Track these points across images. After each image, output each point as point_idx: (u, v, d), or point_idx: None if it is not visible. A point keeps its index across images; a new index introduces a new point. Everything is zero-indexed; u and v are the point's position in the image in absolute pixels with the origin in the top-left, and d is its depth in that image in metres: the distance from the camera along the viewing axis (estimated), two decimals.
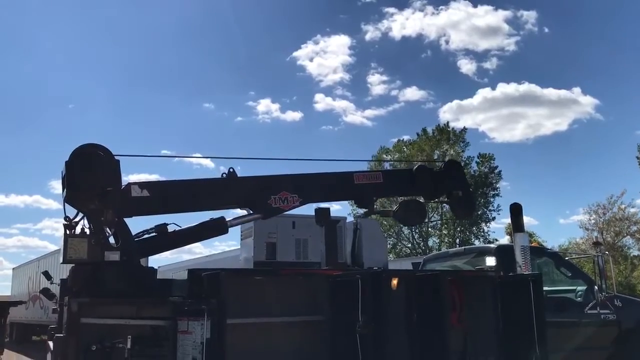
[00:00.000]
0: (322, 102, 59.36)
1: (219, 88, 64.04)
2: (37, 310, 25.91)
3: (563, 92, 54.37)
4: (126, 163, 5.82)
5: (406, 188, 7.53)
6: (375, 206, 7.41)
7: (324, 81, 60.64)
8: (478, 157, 42.07)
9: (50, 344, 5.67)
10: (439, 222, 40.36)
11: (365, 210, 7.46)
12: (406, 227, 37.49)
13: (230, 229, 6.42)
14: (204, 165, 49.69)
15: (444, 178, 7.45)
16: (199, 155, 54.80)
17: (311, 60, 60.71)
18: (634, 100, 52.57)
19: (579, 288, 8.09)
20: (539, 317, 6.05)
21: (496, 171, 41.98)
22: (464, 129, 43.20)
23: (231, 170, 6.36)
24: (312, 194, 6.71)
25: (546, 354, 6.02)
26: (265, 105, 60.77)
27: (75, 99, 64.30)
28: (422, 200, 7.85)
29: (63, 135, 58.95)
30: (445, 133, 42.44)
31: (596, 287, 7.84)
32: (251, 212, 6.54)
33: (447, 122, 43.68)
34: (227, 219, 6.37)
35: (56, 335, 5.40)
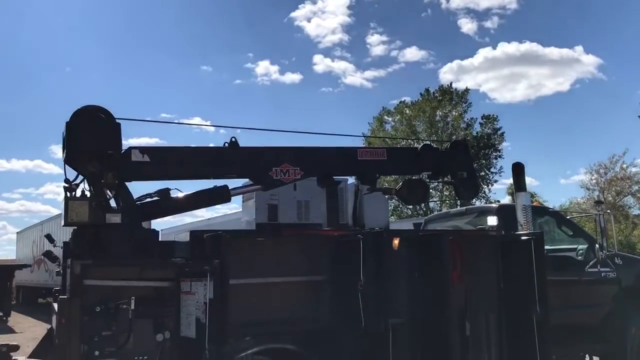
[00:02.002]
0: (321, 63, 59.04)
1: (216, 50, 63.54)
2: (42, 273, 26.32)
3: (565, 51, 54.05)
4: (126, 126, 5.79)
5: (410, 167, 7.45)
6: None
7: (322, 42, 60.14)
8: (482, 119, 41.83)
9: (55, 306, 5.73)
10: (441, 184, 40.40)
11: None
12: None
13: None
14: (203, 129, 49.64)
15: (449, 158, 7.35)
16: (200, 121, 54.82)
17: (309, 21, 60.27)
18: (638, 60, 52.07)
19: (580, 247, 8.11)
20: (539, 276, 6.08)
21: (499, 132, 41.80)
22: (467, 90, 42.84)
23: (233, 139, 6.31)
24: (314, 167, 6.66)
25: (546, 311, 6.07)
26: (264, 67, 60.47)
27: (72, 62, 63.89)
28: (425, 179, 7.76)
29: (61, 99, 58.92)
30: (447, 94, 42.05)
31: (597, 246, 7.86)
32: (251, 182, 6.53)
33: (450, 83, 43.31)
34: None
35: (60, 297, 5.46)
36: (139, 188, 5.99)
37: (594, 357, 8.12)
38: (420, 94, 42.73)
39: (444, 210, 30.89)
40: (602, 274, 7.89)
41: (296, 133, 7.33)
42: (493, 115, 42.12)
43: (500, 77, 62.78)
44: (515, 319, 6.20)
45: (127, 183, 5.78)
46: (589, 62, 59.66)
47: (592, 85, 52.77)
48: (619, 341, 7.88)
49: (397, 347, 5.46)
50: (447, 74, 58.63)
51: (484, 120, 41.77)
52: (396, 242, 5.83)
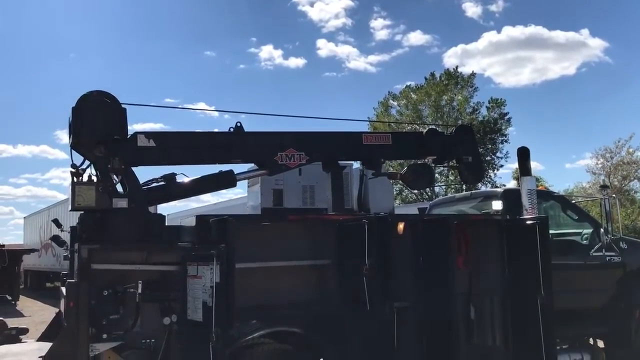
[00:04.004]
0: (324, 48, 58.87)
1: (219, 35, 63.40)
2: (49, 257, 26.51)
3: (571, 35, 53.57)
4: (130, 112, 5.80)
5: (415, 151, 7.44)
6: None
7: (325, 27, 59.91)
8: (489, 102, 41.51)
9: (64, 289, 5.79)
10: (446, 168, 40.23)
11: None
12: None
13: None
14: (208, 114, 49.67)
15: (454, 143, 7.33)
16: (204, 106, 54.80)
17: (312, 5, 60.00)
18: None
19: (585, 231, 8.11)
20: (544, 260, 6.10)
21: (506, 117, 41.51)
22: (473, 74, 42.51)
23: (238, 124, 6.31)
24: (319, 152, 6.66)
25: (551, 295, 6.10)
26: (268, 52, 60.37)
27: (76, 48, 63.87)
28: (430, 164, 7.76)
29: (66, 85, 59.01)
30: (453, 78, 41.76)
31: (602, 230, 7.86)
32: (256, 167, 6.55)
33: (456, 67, 42.97)
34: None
35: (68, 281, 5.51)
36: (145, 173, 6.02)
37: (597, 340, 8.14)
38: (425, 78, 42.47)
39: (449, 194, 30.89)
40: (607, 258, 7.90)
41: (301, 118, 7.33)
42: (501, 99, 41.82)
43: (505, 62, 62.19)
44: (520, 303, 6.23)
45: (133, 168, 5.80)
46: (595, 45, 59.20)
47: (599, 68, 52.40)
48: (623, 324, 7.91)
49: (402, 331, 5.51)
50: (451, 58, 58.42)
51: (491, 104, 41.46)
52: (401, 226, 5.85)
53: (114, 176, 5.68)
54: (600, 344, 8.13)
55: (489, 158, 39.76)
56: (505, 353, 6.24)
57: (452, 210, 8.75)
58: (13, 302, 22.15)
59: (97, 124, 5.55)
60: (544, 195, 8.20)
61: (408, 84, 43.45)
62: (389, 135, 7.23)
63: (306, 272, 6.00)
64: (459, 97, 41.31)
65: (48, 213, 27.72)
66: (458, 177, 7.85)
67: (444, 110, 41.08)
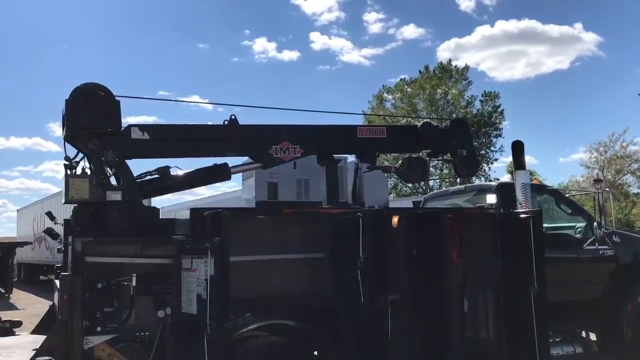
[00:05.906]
0: (318, 41, 58.77)
1: (213, 27, 63.14)
2: (43, 250, 26.46)
3: (565, 29, 53.68)
4: (124, 104, 5.78)
5: (410, 145, 7.43)
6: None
7: (319, 20, 59.79)
8: (482, 96, 41.55)
9: (57, 282, 5.78)
10: (440, 162, 40.21)
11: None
12: None
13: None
14: (201, 107, 49.54)
15: (449, 136, 7.34)
16: (198, 99, 54.56)
17: None
18: (638, 38, 51.69)
19: (579, 225, 8.15)
20: (538, 253, 6.12)
21: (499, 110, 41.55)
22: (467, 67, 42.51)
23: (233, 117, 6.30)
24: (314, 145, 6.66)
25: (544, 288, 6.13)
26: (262, 45, 60.26)
27: (69, 40, 63.50)
28: (425, 157, 7.75)
29: (59, 77, 58.72)
30: (447, 71, 41.75)
31: (595, 224, 7.89)
32: (251, 160, 6.54)
33: (450, 60, 42.96)
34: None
35: (62, 273, 5.50)
36: (139, 166, 6.00)
37: (590, 332, 8.20)
38: (420, 71, 42.46)
39: (444, 188, 30.87)
40: (600, 252, 7.94)
41: (295, 111, 7.33)
42: (494, 92, 41.89)
43: (498, 55, 62.28)
44: (513, 296, 6.24)
45: (127, 161, 5.78)
46: (589, 39, 59.41)
47: (592, 63, 52.55)
48: (616, 318, 7.96)
49: (396, 324, 5.51)
50: (444, 51, 58.66)
51: (485, 97, 41.51)
52: (395, 220, 5.85)
53: (108, 169, 5.66)
54: (593, 336, 8.19)
55: (483, 152, 39.83)
56: (498, 346, 6.27)
57: (446, 204, 8.76)
58: (6, 295, 22.11)
59: (90, 117, 5.53)
60: (538, 189, 8.22)
61: (402, 77, 43.47)
62: (383, 129, 7.22)
63: (301, 265, 5.99)
64: (453, 91, 41.32)
65: (41, 206, 27.65)
66: (452, 170, 7.84)
67: (439, 104, 41.08)
